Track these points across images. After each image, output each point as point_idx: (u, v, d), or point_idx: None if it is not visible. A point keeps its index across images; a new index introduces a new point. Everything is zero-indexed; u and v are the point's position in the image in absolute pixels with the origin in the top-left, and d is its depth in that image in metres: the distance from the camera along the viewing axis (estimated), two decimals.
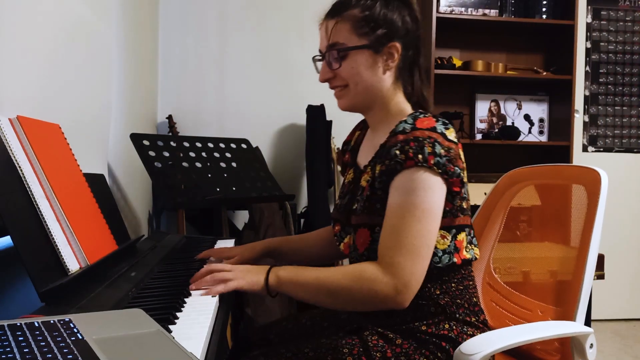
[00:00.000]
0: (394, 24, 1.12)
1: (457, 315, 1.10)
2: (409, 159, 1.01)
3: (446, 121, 1.08)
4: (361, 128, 1.33)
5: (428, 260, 1.03)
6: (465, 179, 1.09)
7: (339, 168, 2.98)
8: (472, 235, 1.15)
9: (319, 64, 1.19)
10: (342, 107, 1.19)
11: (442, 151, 1.02)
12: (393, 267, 1.00)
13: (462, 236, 1.11)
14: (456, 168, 1.04)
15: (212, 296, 0.99)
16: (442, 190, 1.03)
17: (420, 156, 1.01)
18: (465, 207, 1.11)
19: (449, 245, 1.08)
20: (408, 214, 1.01)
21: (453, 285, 1.11)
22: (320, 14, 1.16)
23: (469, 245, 1.12)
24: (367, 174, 1.13)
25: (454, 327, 1.08)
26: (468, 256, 1.11)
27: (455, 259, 1.08)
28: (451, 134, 1.06)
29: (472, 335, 1.08)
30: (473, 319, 1.11)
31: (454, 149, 1.05)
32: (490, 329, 1.13)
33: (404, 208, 1.01)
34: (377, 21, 1.11)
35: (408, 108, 1.16)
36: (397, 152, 1.03)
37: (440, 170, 1.02)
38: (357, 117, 1.35)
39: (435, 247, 1.06)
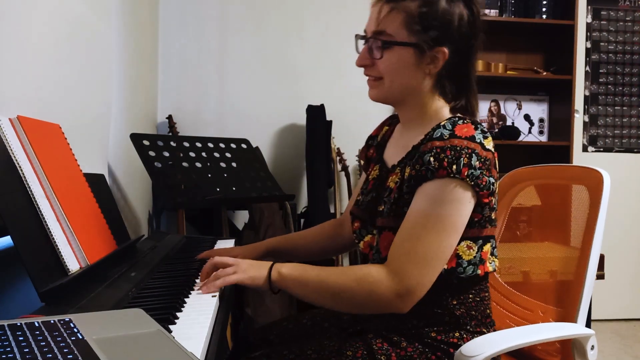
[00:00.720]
0: (449, 27, 1.04)
1: (468, 327, 1.08)
2: (442, 168, 0.97)
3: (485, 129, 1.04)
4: (389, 123, 1.27)
5: (437, 273, 0.99)
6: (496, 189, 1.05)
7: (339, 168, 2.98)
8: (494, 245, 1.12)
9: (360, 44, 1.12)
10: (373, 97, 1.12)
11: (478, 163, 0.98)
12: (400, 273, 0.97)
13: (487, 247, 1.08)
14: (489, 179, 1.00)
15: (212, 295, 0.99)
16: (470, 203, 1.00)
17: (454, 167, 0.96)
18: (493, 217, 1.08)
19: (474, 257, 1.05)
20: (429, 224, 0.98)
21: (470, 297, 1.08)
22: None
23: (491, 256, 1.09)
24: (396, 175, 1.09)
25: (464, 336, 1.07)
26: (490, 268, 1.09)
27: (479, 271, 1.06)
28: (489, 144, 1.02)
29: None
30: (484, 330, 1.10)
31: (491, 160, 1.01)
32: None
33: (427, 217, 0.98)
34: (433, 21, 1.03)
35: (446, 111, 1.10)
36: (431, 159, 0.98)
37: (472, 183, 0.98)
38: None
39: (461, 258, 1.04)
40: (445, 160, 0.97)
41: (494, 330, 1.13)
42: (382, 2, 1.06)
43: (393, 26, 1.04)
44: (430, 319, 1.07)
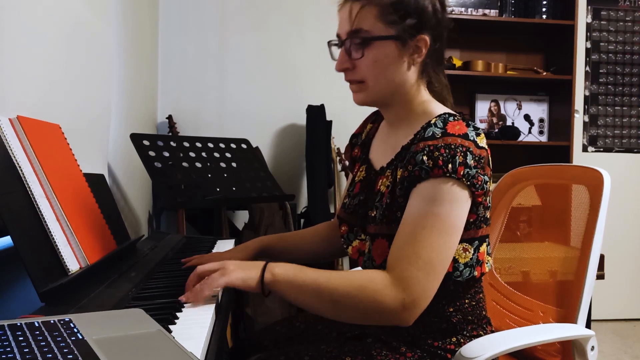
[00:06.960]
0: (425, 13, 1.00)
1: (465, 332, 1.07)
2: (437, 167, 0.92)
3: (477, 126, 1.00)
4: (373, 121, 1.23)
5: (441, 278, 0.93)
6: (489, 188, 1.01)
7: (339, 168, 2.98)
8: (489, 244, 1.08)
9: (335, 50, 1.07)
10: (358, 102, 1.07)
11: (473, 162, 0.93)
12: (405, 280, 0.90)
13: (483, 248, 1.04)
14: (484, 178, 0.96)
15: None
16: (467, 204, 0.95)
17: (450, 166, 0.92)
18: (488, 216, 1.04)
19: (471, 259, 1.01)
20: (429, 225, 0.91)
21: (466, 302, 1.06)
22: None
23: (487, 256, 1.06)
24: (387, 179, 1.04)
25: (462, 341, 1.05)
26: (486, 269, 1.05)
27: (475, 273, 1.02)
28: (482, 141, 0.98)
29: None
30: (481, 332, 1.09)
31: (485, 157, 0.97)
32: None
33: (426, 218, 0.92)
34: (408, 9, 0.99)
35: (432, 105, 1.05)
36: (425, 157, 0.93)
37: (468, 183, 0.93)
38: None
39: (457, 261, 1.00)
40: (440, 159, 0.92)
41: (491, 330, 1.13)
42: (351, 1, 1.02)
43: (368, 22, 0.99)
44: (427, 327, 1.05)
